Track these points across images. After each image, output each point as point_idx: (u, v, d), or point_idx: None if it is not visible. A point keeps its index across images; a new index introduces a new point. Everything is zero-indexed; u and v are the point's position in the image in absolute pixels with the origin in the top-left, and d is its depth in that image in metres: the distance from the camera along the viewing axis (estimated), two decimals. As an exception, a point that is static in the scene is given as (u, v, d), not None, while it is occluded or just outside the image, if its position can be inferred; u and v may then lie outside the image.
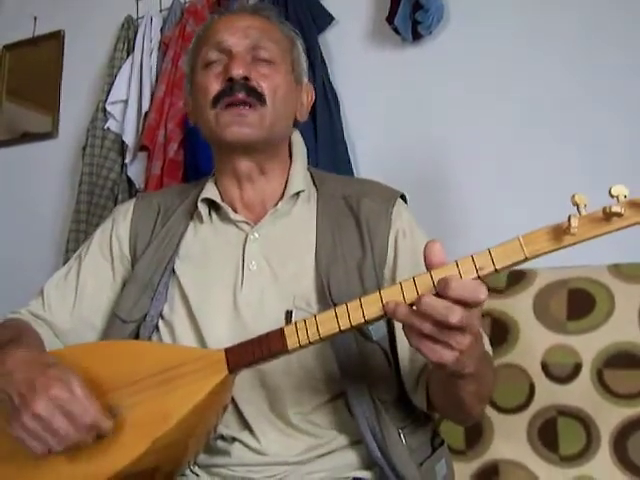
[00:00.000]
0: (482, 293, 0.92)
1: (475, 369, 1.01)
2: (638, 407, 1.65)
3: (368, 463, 1.25)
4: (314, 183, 1.44)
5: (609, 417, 1.67)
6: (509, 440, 1.75)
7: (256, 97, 1.31)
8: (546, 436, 1.72)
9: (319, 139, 2.41)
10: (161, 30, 2.91)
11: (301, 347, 1.05)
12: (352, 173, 2.44)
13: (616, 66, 2.17)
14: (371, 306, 1.01)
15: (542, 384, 1.74)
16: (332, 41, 2.63)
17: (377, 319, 1.02)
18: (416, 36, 2.41)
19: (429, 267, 0.97)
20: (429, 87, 2.44)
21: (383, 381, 1.27)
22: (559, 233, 0.94)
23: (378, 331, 1.26)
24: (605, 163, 2.13)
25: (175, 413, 1.07)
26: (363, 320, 1.01)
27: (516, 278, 1.83)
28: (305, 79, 1.46)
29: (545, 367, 1.74)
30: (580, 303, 1.75)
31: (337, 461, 1.25)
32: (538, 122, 2.26)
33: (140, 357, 1.17)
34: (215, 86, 1.32)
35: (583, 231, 0.92)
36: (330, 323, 1.02)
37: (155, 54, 2.87)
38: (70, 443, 1.06)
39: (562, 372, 1.73)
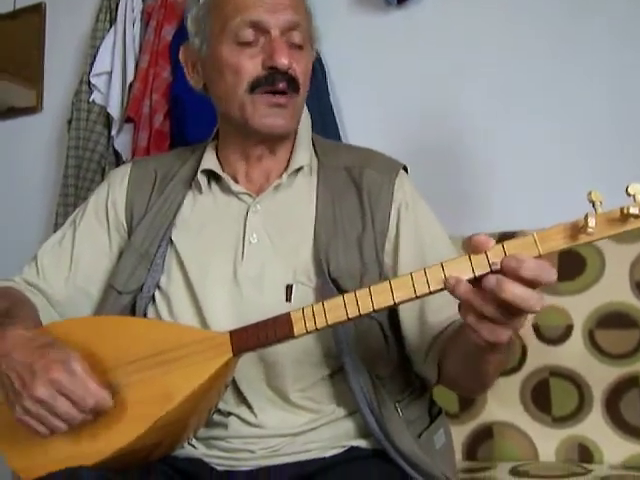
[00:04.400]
0: (554, 274, 0.89)
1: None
2: (630, 367, 1.67)
3: (365, 432, 1.24)
4: (316, 153, 1.41)
5: (601, 377, 1.69)
6: (502, 402, 1.76)
7: (294, 87, 1.29)
8: (539, 397, 1.74)
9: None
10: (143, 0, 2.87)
11: (308, 333, 1.04)
12: (340, 140, 2.43)
13: (602, 39, 2.16)
14: (380, 295, 0.99)
15: (534, 346, 1.75)
16: (315, 5, 2.60)
17: (386, 308, 1.01)
18: (400, 0, 2.39)
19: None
20: (414, 51, 2.41)
21: (380, 357, 1.26)
22: (575, 232, 0.92)
23: None
24: (590, 137, 2.13)
25: (178, 393, 1.07)
26: (372, 309, 1.00)
27: (506, 240, 1.83)
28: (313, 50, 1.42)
29: (537, 329, 1.75)
30: (571, 264, 1.75)
31: (334, 431, 1.25)
32: (529, 86, 2.24)
33: (142, 335, 1.16)
34: (251, 69, 1.27)
35: (600, 230, 0.91)
36: (338, 310, 1.02)
37: (138, 24, 2.82)
38: (74, 423, 1.06)
39: (554, 333, 1.74)
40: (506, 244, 0.94)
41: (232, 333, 1.09)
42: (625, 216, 0.90)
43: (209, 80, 1.36)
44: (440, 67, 2.36)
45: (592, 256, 1.74)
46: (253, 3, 1.28)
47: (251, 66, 1.27)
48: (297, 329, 1.04)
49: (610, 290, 1.72)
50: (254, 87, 1.27)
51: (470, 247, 0.95)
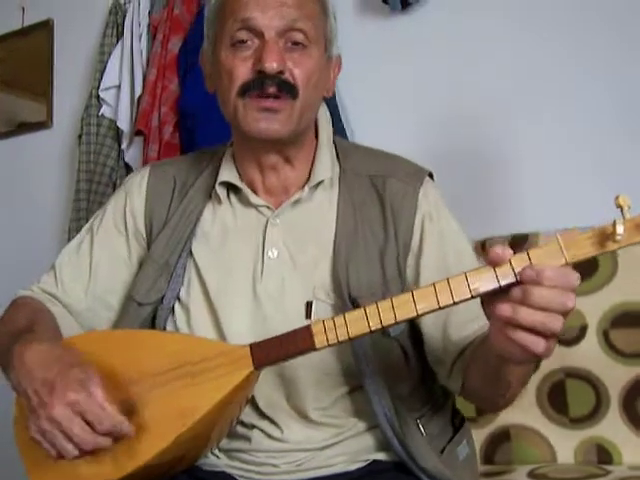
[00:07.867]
0: (576, 279, 0.88)
1: None
2: (646, 366, 1.66)
3: (386, 445, 1.22)
4: (338, 158, 1.35)
5: (617, 377, 1.68)
6: (519, 405, 1.75)
7: (288, 90, 1.21)
8: (555, 399, 1.73)
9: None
10: (149, 13, 2.87)
11: (329, 345, 1.02)
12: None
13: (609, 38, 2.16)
14: (403, 306, 0.97)
15: (549, 348, 1.74)
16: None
17: (409, 320, 0.99)
18: (405, 5, 2.39)
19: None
20: (419, 56, 2.41)
21: (400, 376, 1.24)
22: (603, 238, 0.90)
23: (397, 327, 1.19)
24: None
25: (199, 408, 1.06)
26: (394, 321, 0.98)
27: (519, 242, 1.83)
28: (335, 51, 1.34)
29: (551, 330, 1.74)
30: (583, 264, 1.73)
31: (357, 445, 1.24)
32: (536, 84, 2.23)
33: (162, 349, 1.14)
34: (243, 72, 1.21)
35: (628, 237, 0.89)
36: (360, 323, 0.99)
37: (145, 38, 2.84)
38: (86, 448, 1.03)
39: (569, 334, 1.73)
40: (531, 252, 0.92)
41: (252, 346, 1.07)
42: None
43: (216, 85, 1.31)
44: (445, 72, 2.37)
45: (605, 256, 1.73)
46: (246, 2, 1.23)
47: (243, 69, 1.22)
48: (318, 341, 1.01)
49: (624, 289, 1.71)
50: (244, 91, 1.21)
51: (488, 261, 0.93)
